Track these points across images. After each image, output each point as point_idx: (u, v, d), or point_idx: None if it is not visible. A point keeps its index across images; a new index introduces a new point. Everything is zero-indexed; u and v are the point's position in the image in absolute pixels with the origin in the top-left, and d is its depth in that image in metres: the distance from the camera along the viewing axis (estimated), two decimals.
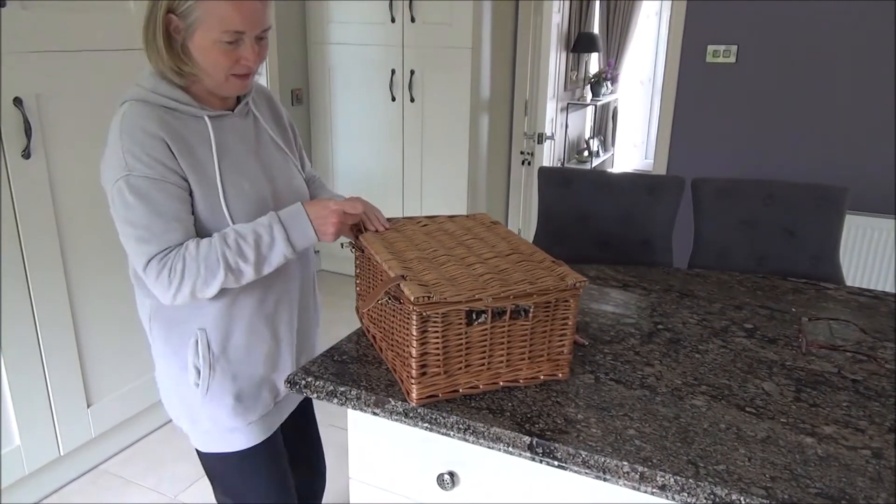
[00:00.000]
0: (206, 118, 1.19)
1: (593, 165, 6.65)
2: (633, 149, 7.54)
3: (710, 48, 3.27)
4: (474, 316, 1.06)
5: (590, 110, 6.91)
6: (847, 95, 3.06)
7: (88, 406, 2.24)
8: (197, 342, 1.26)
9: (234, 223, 1.19)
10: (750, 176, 3.31)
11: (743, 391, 1.15)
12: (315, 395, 1.16)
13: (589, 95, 6.64)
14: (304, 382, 1.16)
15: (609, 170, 7.31)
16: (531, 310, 1.09)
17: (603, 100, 6.65)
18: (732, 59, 3.24)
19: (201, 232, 1.19)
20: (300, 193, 1.34)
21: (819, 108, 3.13)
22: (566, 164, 6.60)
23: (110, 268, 2.24)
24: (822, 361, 1.28)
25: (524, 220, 4.08)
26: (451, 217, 1.38)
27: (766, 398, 1.13)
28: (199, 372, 1.27)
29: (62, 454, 2.18)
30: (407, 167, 3.63)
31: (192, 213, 1.18)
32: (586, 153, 6.69)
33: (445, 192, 3.59)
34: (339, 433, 2.54)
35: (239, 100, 1.28)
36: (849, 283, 3.10)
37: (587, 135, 7.04)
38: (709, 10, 3.22)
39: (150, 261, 1.13)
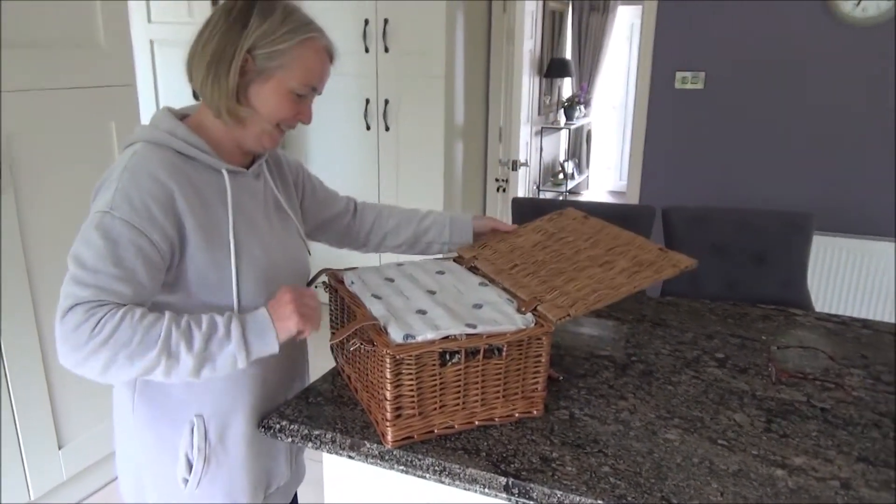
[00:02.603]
0: (224, 171, 1.11)
1: (568, 188, 6.73)
2: (608, 171, 7.65)
3: (679, 74, 3.35)
4: (448, 357, 1.06)
5: (564, 134, 7.01)
6: (813, 119, 3.15)
7: (60, 448, 2.19)
8: (193, 430, 1.11)
9: (239, 290, 1.08)
10: (720, 198, 3.38)
11: (715, 423, 1.17)
12: (290, 440, 1.15)
13: (563, 119, 6.75)
14: (278, 427, 1.15)
15: (583, 195, 7.40)
16: (504, 349, 1.10)
17: (576, 123, 6.75)
18: (700, 85, 3.32)
19: (200, 297, 1.07)
20: (302, 264, 1.26)
21: (785, 133, 3.21)
22: (542, 187, 6.67)
23: None
24: (791, 390, 1.30)
25: None
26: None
27: (737, 430, 1.15)
28: (190, 466, 1.12)
29: (32, 499, 2.13)
30: (383, 196, 3.64)
31: (177, 283, 1.05)
32: (561, 176, 6.77)
33: None
34: (316, 466, 2.50)
35: (254, 160, 1.21)
36: (817, 301, 3.16)
37: (562, 157, 7.13)
38: (677, 37, 3.31)
39: (74, 306, 0.93)
